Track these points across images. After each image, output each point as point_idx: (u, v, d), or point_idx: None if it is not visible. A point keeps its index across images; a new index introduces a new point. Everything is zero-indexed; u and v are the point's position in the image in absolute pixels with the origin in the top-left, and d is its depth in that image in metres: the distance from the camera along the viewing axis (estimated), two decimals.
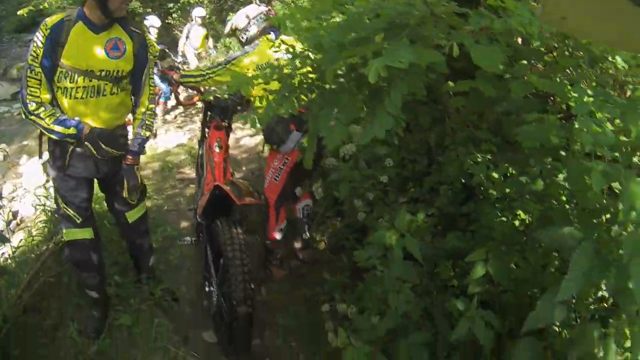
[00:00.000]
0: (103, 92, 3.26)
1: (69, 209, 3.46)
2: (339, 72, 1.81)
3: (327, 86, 1.85)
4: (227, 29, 4.48)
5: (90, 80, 3.19)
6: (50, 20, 3.13)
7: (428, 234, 3.21)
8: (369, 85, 1.64)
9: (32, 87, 3.10)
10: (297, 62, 1.97)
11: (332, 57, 1.63)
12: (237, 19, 4.33)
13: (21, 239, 5.06)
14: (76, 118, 3.22)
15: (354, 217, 3.88)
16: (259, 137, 7.97)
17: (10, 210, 4.05)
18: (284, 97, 1.86)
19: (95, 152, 3.24)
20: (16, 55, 22.87)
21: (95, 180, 3.72)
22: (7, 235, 4.24)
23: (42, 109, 3.13)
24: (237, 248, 3.49)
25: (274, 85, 2.05)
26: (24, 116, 3.16)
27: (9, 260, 4.34)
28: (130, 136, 3.57)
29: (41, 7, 12.59)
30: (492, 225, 2.86)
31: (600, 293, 2.16)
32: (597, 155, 1.64)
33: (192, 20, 11.89)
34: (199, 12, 11.84)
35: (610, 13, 0.60)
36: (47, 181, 7.40)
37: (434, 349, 2.89)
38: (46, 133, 3.18)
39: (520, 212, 2.84)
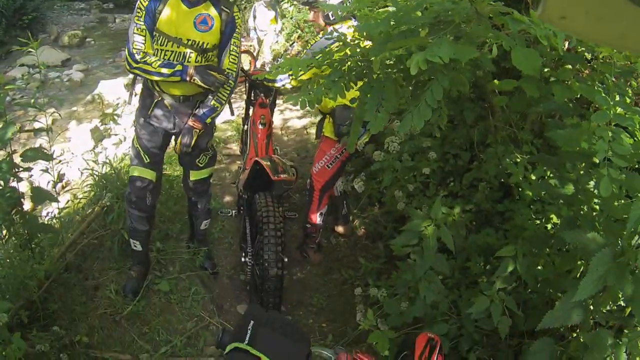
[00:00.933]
0: (188, 59, 3.62)
1: (141, 149, 3.87)
2: (387, 62, 1.96)
3: (375, 75, 2.02)
4: None
5: (178, 47, 3.57)
6: None
7: (463, 228, 3.35)
8: (414, 77, 1.80)
9: (137, 42, 3.53)
10: (348, 49, 2.13)
11: (380, 47, 1.80)
12: None
13: (68, 201, 5.35)
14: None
15: (393, 206, 4.05)
16: (307, 120, 8.17)
17: (58, 172, 4.30)
18: (333, 82, 2.03)
19: (202, 82, 3.53)
20: (67, 23, 23.16)
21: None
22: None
23: (148, 57, 3.52)
24: (272, 217, 3.76)
25: (326, 70, 2.22)
26: (128, 67, 3.60)
27: (54, 220, 4.62)
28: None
29: None
30: (525, 226, 3.00)
31: (620, 303, 2.28)
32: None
33: (258, 1, 10.91)
34: None
35: (610, 13, 0.65)
36: (95, 147, 7.74)
37: (457, 341, 3.05)
38: (152, 76, 3.53)
39: (553, 215, 2.97)
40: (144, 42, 3.53)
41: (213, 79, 3.56)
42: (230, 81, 3.74)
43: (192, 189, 4.23)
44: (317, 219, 4.61)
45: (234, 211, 4.83)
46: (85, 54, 17.44)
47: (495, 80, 2.97)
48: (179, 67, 3.50)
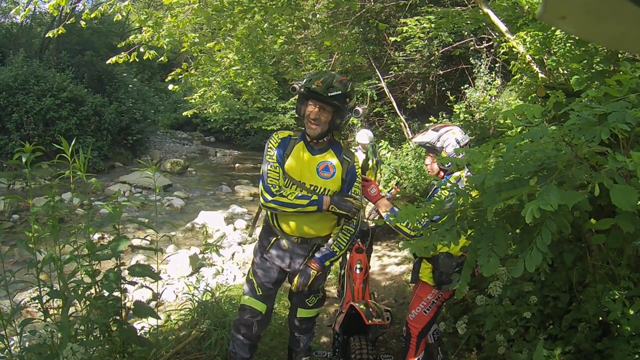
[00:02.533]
0: None
1: (255, 282, 3.99)
2: (497, 209, 2.06)
3: (485, 223, 2.12)
4: (421, 139, 4.28)
5: (301, 191, 3.73)
6: (281, 134, 3.82)
7: None
8: (522, 223, 1.89)
9: (272, 177, 3.69)
10: (460, 199, 2.25)
11: (492, 197, 1.92)
12: (447, 138, 4.13)
13: (166, 320, 5.54)
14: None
15: (493, 351, 4.06)
16: (405, 266, 8.26)
17: (154, 291, 4.51)
18: (446, 230, 2.16)
19: (340, 210, 3.66)
20: (169, 150, 24.40)
21: None
22: None
23: (283, 190, 3.69)
24: (366, 359, 3.75)
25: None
26: (263, 201, 3.69)
27: (148, 335, 4.70)
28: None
29: (204, 112, 13.65)
30: None
31: None
32: None
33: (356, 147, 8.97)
34: (362, 137, 8.78)
35: (610, 13, 0.68)
36: (192, 274, 8.02)
37: None
38: (289, 208, 3.65)
39: None
40: (277, 178, 3.69)
41: (350, 204, 3.67)
42: (349, 228, 3.88)
43: (297, 326, 4.27)
44: None
45: (329, 353, 4.88)
46: (186, 183, 18.28)
47: (592, 220, 3.01)
48: (315, 197, 3.64)
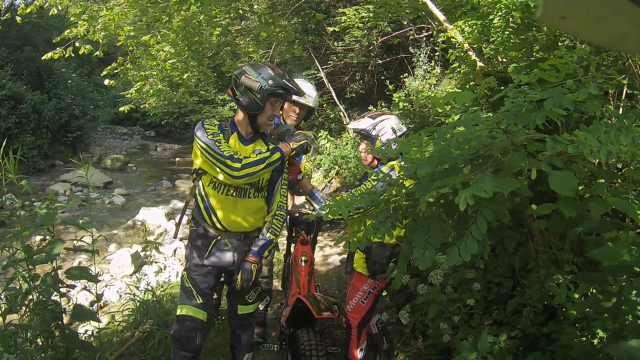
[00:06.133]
0: (247, 195, 3.71)
1: (194, 289, 3.82)
2: (430, 200, 2.05)
3: (419, 213, 2.10)
4: (357, 126, 4.27)
5: None
6: (214, 121, 3.80)
7: (510, 355, 3.36)
8: (457, 212, 1.88)
9: (226, 150, 3.48)
10: (394, 190, 2.23)
11: (425, 186, 1.91)
12: (383, 127, 4.14)
13: (109, 322, 5.42)
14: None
15: (438, 338, 4.08)
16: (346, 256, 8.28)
17: (97, 293, 4.40)
18: (381, 222, 2.14)
19: (299, 143, 3.72)
20: (109, 146, 23.94)
21: None
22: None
23: (240, 154, 3.52)
24: (315, 350, 3.77)
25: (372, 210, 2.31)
26: (235, 172, 3.42)
27: (92, 338, 4.62)
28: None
29: (142, 107, 13.37)
30: (571, 344, 3.02)
31: None
32: None
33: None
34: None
35: (610, 13, 0.69)
36: (134, 272, 7.89)
37: None
38: (261, 165, 3.48)
39: (599, 330, 2.98)
40: (230, 148, 3.54)
41: (302, 135, 3.74)
42: (281, 212, 3.85)
43: (238, 323, 4.18)
44: (358, 354, 4.52)
45: (276, 346, 4.85)
46: (126, 179, 17.91)
47: (533, 205, 3.04)
48: (272, 146, 3.64)
